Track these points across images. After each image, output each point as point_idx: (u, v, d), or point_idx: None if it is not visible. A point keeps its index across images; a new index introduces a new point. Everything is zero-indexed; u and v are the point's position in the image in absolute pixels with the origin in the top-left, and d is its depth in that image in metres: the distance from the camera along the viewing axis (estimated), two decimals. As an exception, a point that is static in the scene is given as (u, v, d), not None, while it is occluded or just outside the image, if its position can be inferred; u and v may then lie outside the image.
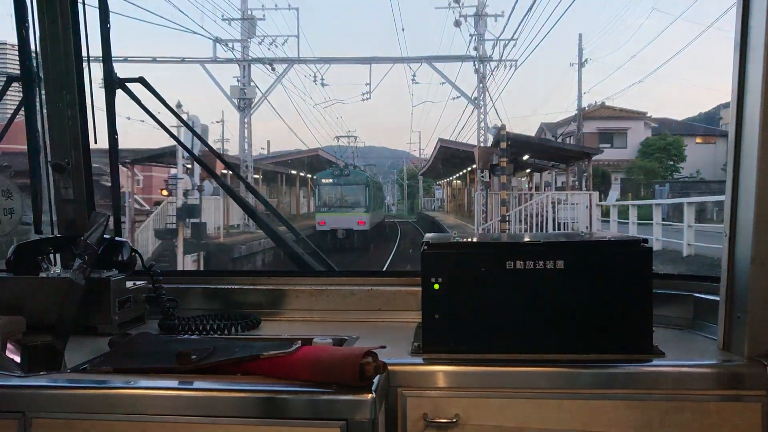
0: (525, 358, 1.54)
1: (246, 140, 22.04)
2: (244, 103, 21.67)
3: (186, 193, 16.54)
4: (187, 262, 15.40)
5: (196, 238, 16.09)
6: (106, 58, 2.31)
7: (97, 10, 2.26)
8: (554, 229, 15.76)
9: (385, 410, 1.46)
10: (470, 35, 21.45)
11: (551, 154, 21.83)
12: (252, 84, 21.71)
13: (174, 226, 16.20)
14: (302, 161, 31.66)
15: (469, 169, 25.01)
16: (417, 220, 40.98)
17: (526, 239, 1.77)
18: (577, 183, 21.60)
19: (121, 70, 2.20)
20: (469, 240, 1.78)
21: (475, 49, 21.28)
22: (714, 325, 1.65)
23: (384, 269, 16.00)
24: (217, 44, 20.82)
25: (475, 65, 21.26)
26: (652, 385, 1.48)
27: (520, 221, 16.85)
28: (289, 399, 1.35)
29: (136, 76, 2.27)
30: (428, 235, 1.75)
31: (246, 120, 21.84)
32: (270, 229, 2.58)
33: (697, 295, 1.86)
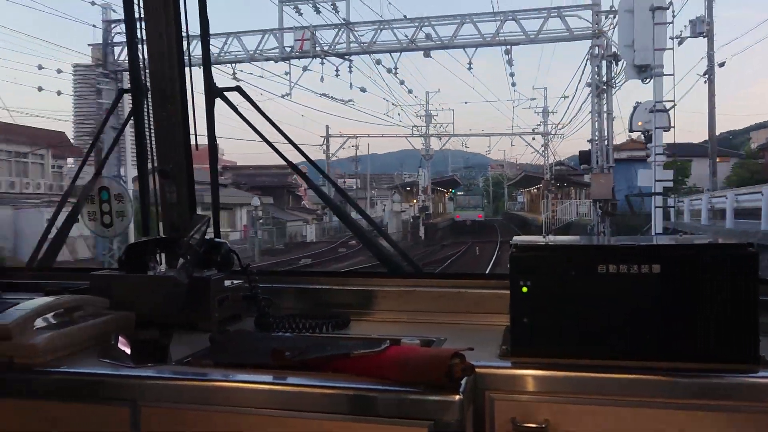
0: (618, 365, 1.48)
1: (428, 175, 42.86)
2: (429, 157, 41.64)
3: (421, 200, 39.76)
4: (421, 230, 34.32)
5: (426, 219, 37.24)
6: (207, 69, 2.45)
7: (199, 24, 2.40)
8: (576, 216, 31.38)
9: (472, 412, 1.45)
10: (539, 122, 43.01)
11: (572, 182, 39.60)
12: (431, 152, 42.38)
13: (418, 213, 37.28)
14: (444, 182, 54.69)
15: (540, 184, 43.32)
16: (503, 219, 58.51)
17: (620, 242, 1.72)
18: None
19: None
20: (559, 243, 1.74)
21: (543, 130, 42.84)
22: None
23: (499, 239, 29.36)
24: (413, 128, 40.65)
25: (543, 138, 42.57)
26: (757, 397, 1.39)
27: (564, 213, 34.31)
28: (378, 397, 1.37)
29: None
30: (517, 237, 1.73)
31: (429, 164, 42.49)
32: (361, 232, 2.64)
33: None
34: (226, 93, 2.42)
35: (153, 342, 1.73)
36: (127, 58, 2.51)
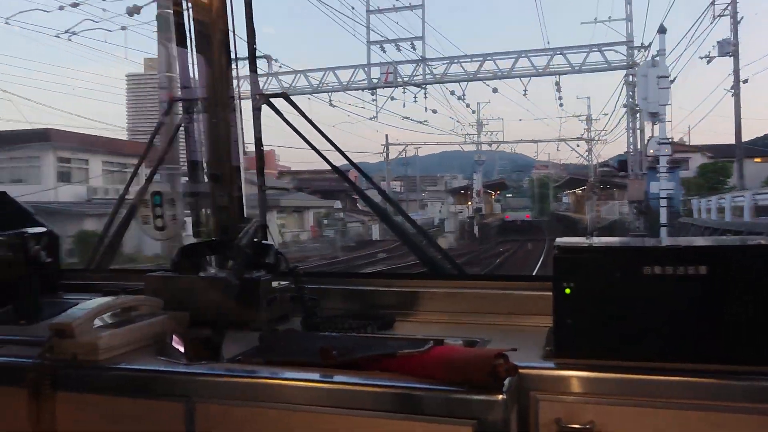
0: (662, 367, 1.47)
1: (481, 179, 44.17)
2: (481, 162, 44.05)
3: (476, 202, 41.27)
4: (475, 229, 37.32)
5: (479, 219, 39.21)
6: (253, 77, 2.52)
7: (245, 32, 2.48)
8: (619, 214, 32.56)
9: (517, 412, 1.47)
10: (584, 129, 44.37)
11: (614, 184, 40.69)
12: (483, 157, 44.79)
13: (473, 212, 40.29)
14: (492, 184, 57.74)
15: (585, 186, 45.45)
16: (549, 220, 57.93)
17: (666, 243, 1.70)
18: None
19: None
20: (603, 244, 1.73)
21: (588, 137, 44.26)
22: None
23: (546, 237, 28.25)
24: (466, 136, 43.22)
25: (587, 143, 44.23)
26: None
27: (607, 213, 35.85)
28: (424, 396, 1.40)
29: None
30: (560, 239, 1.72)
31: (481, 169, 44.59)
32: (406, 236, 2.67)
33: None
34: (272, 100, 2.48)
35: (206, 340, 1.80)
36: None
